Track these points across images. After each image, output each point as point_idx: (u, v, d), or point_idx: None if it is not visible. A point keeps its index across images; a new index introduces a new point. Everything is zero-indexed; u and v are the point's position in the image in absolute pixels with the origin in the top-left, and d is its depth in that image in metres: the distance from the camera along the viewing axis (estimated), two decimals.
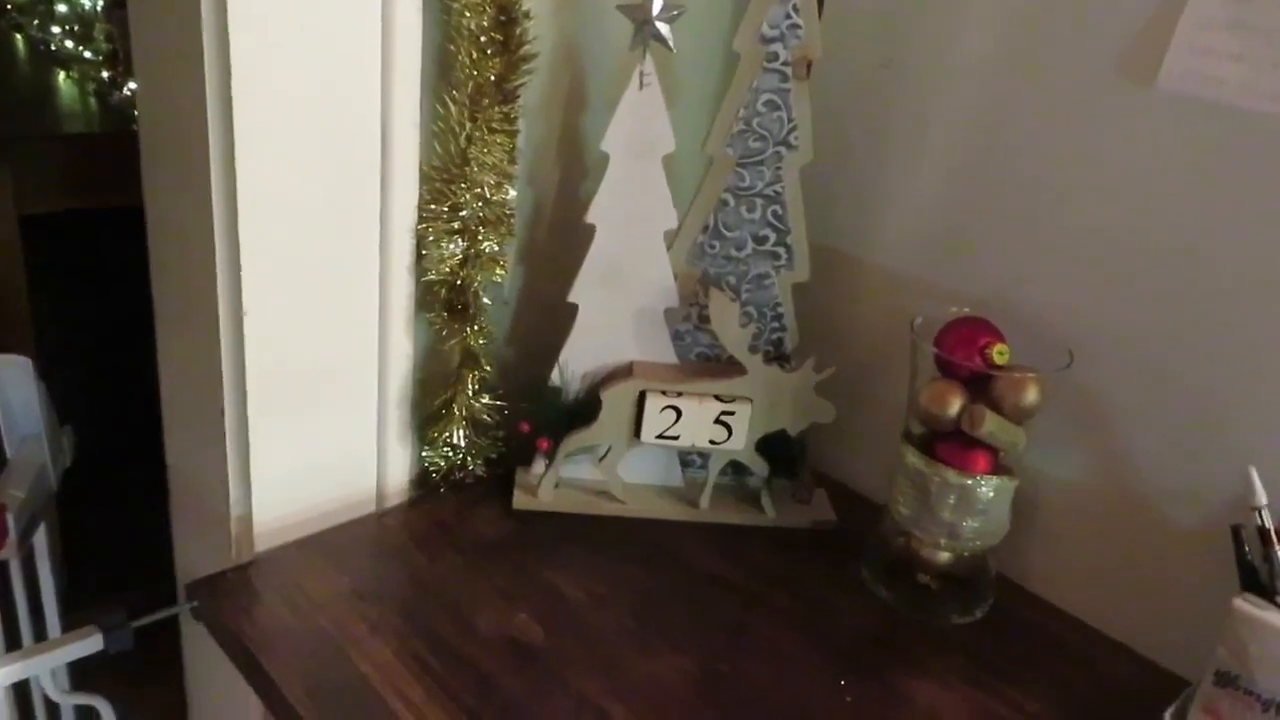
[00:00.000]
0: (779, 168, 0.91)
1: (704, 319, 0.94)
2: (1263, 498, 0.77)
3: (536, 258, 1.00)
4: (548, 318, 0.96)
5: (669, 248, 0.92)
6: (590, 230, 0.90)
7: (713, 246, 0.93)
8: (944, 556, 0.89)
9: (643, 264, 0.91)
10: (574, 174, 0.98)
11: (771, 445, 0.97)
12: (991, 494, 0.85)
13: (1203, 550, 0.84)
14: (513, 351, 1.03)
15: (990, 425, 0.81)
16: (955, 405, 0.83)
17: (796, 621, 0.88)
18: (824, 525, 1.00)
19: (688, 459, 1.01)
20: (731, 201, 0.91)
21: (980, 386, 0.83)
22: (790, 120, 0.90)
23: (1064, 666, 0.86)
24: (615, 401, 0.93)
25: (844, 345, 1.06)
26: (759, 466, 0.98)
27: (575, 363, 0.95)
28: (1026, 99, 0.89)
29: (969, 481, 0.84)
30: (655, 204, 0.89)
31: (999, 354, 0.82)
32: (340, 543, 0.91)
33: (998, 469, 0.85)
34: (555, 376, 0.95)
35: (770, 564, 0.94)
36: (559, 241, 0.98)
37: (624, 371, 0.95)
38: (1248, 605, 0.74)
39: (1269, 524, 0.77)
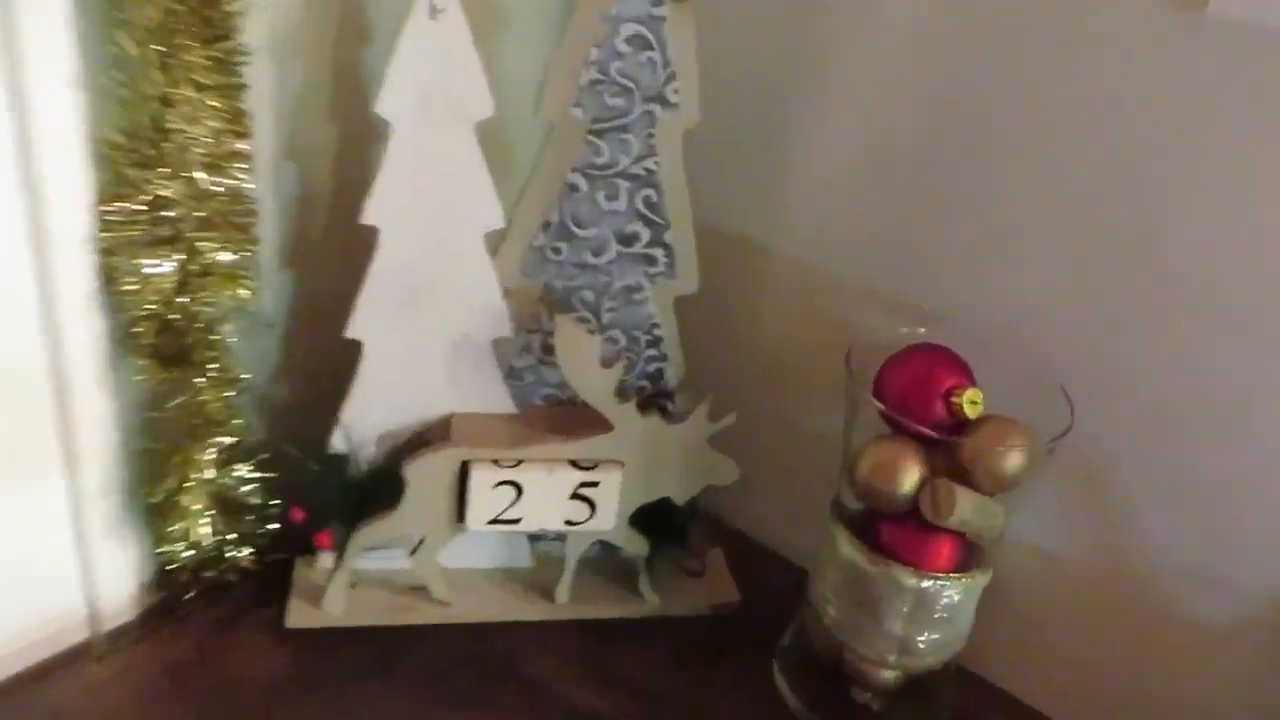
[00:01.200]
0: (651, 134, 0.63)
1: (550, 351, 0.65)
2: None
3: (313, 258, 0.70)
4: (338, 340, 0.66)
5: (494, 254, 0.64)
6: (372, 234, 0.60)
7: (557, 251, 0.64)
8: (890, 675, 0.65)
9: (455, 279, 0.63)
10: (359, 140, 0.68)
11: (652, 514, 0.71)
12: (958, 597, 0.61)
13: (1230, 657, 0.62)
14: (290, 390, 0.73)
15: (964, 511, 0.57)
16: (910, 479, 0.58)
17: None
18: (726, 608, 0.75)
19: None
20: (583, 186, 0.62)
21: (942, 445, 0.58)
22: (666, 65, 0.62)
23: None
24: (425, 478, 0.65)
25: (748, 370, 0.80)
26: (636, 546, 0.72)
27: (366, 420, 0.66)
28: (1007, 25, 0.62)
29: (928, 584, 0.60)
30: (469, 194, 0.60)
31: (970, 403, 0.58)
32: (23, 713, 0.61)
33: (966, 560, 0.61)
34: (338, 441, 0.66)
35: (656, 681, 0.69)
36: (348, 234, 0.68)
37: (438, 431, 0.67)
38: None
39: None
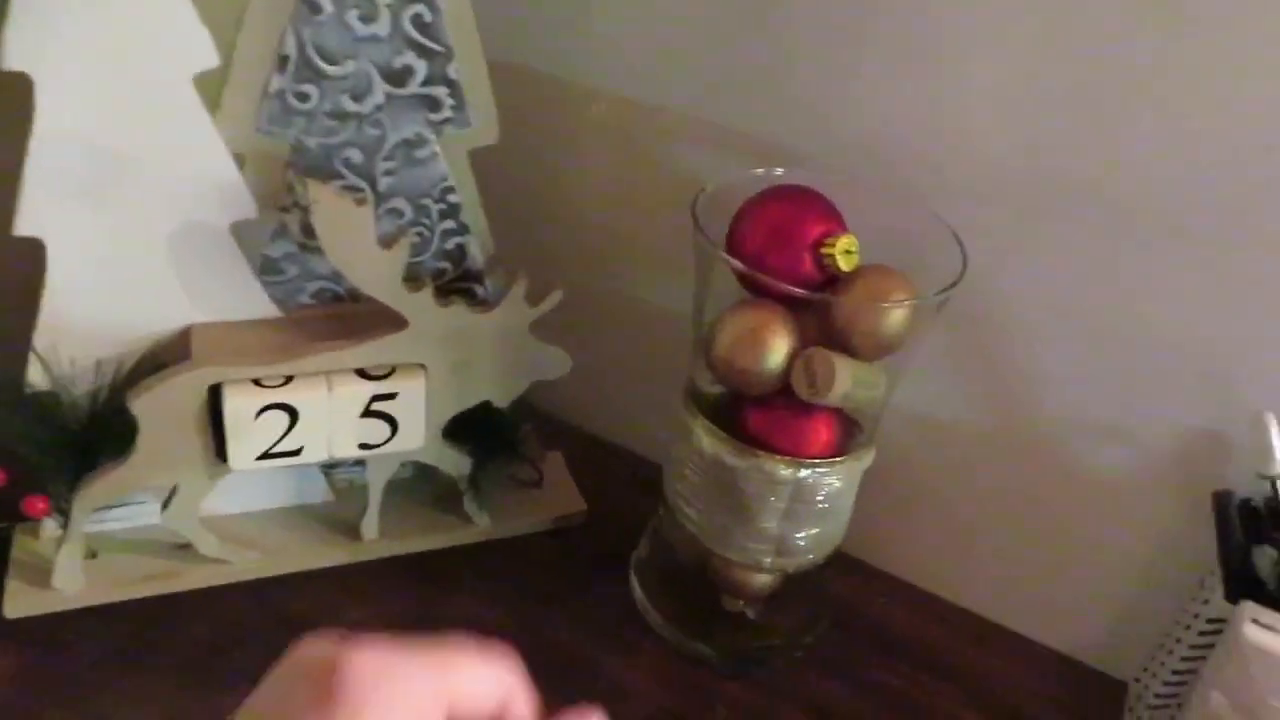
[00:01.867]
0: None
1: (313, 233, 0.50)
2: None
3: None
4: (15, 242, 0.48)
5: (214, 108, 0.47)
6: (25, 86, 0.42)
7: (304, 97, 0.48)
8: (766, 579, 0.56)
9: (162, 144, 0.46)
10: None
11: (472, 422, 0.58)
12: (839, 484, 0.52)
13: (1136, 508, 0.56)
14: None
15: (845, 384, 0.46)
16: (777, 352, 0.47)
17: None
18: (571, 520, 0.64)
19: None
20: (327, 5, 0.46)
21: (813, 306, 0.48)
22: None
23: (949, 677, 0.58)
24: (161, 413, 0.50)
25: (574, 238, 0.67)
26: (454, 464, 0.59)
27: (69, 345, 0.49)
28: None
29: (806, 473, 0.50)
30: (160, 21, 0.43)
31: (844, 253, 0.47)
32: None
33: (846, 441, 0.51)
34: (36, 376, 0.50)
35: (496, 616, 0.58)
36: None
37: (176, 349, 0.51)
38: (1265, 634, 0.46)
39: None
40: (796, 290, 0.45)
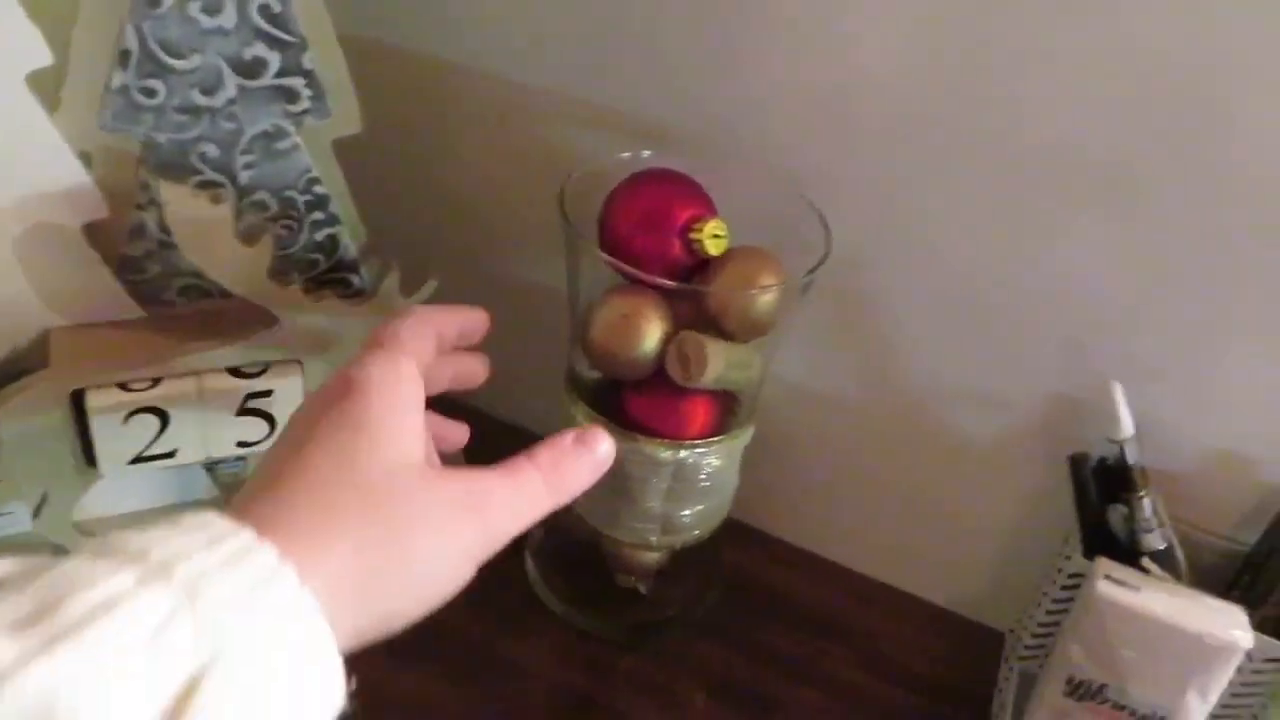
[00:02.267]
0: None
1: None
2: (1129, 427, 0.50)
3: None
4: None
5: (57, 107, 0.45)
6: None
7: (150, 92, 0.46)
8: (655, 556, 0.57)
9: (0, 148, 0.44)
10: None
11: None
12: (720, 462, 0.52)
13: (1006, 469, 0.58)
14: None
15: (718, 367, 0.47)
16: (651, 338, 0.48)
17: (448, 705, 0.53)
18: None
19: None
20: None
21: (684, 292, 0.48)
22: None
23: (839, 638, 0.61)
24: (22, 422, 0.48)
25: (449, 224, 0.66)
26: None
27: None
28: None
29: (686, 454, 0.51)
30: None
31: (712, 238, 0.47)
32: None
33: (724, 419, 0.52)
34: None
35: None
36: None
37: (34, 355, 0.49)
38: (1116, 589, 0.48)
39: (1135, 460, 0.50)
40: (666, 282, 0.46)
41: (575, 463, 0.37)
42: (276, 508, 0.29)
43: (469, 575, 0.33)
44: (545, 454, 0.36)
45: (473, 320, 0.41)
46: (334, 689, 0.27)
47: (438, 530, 0.31)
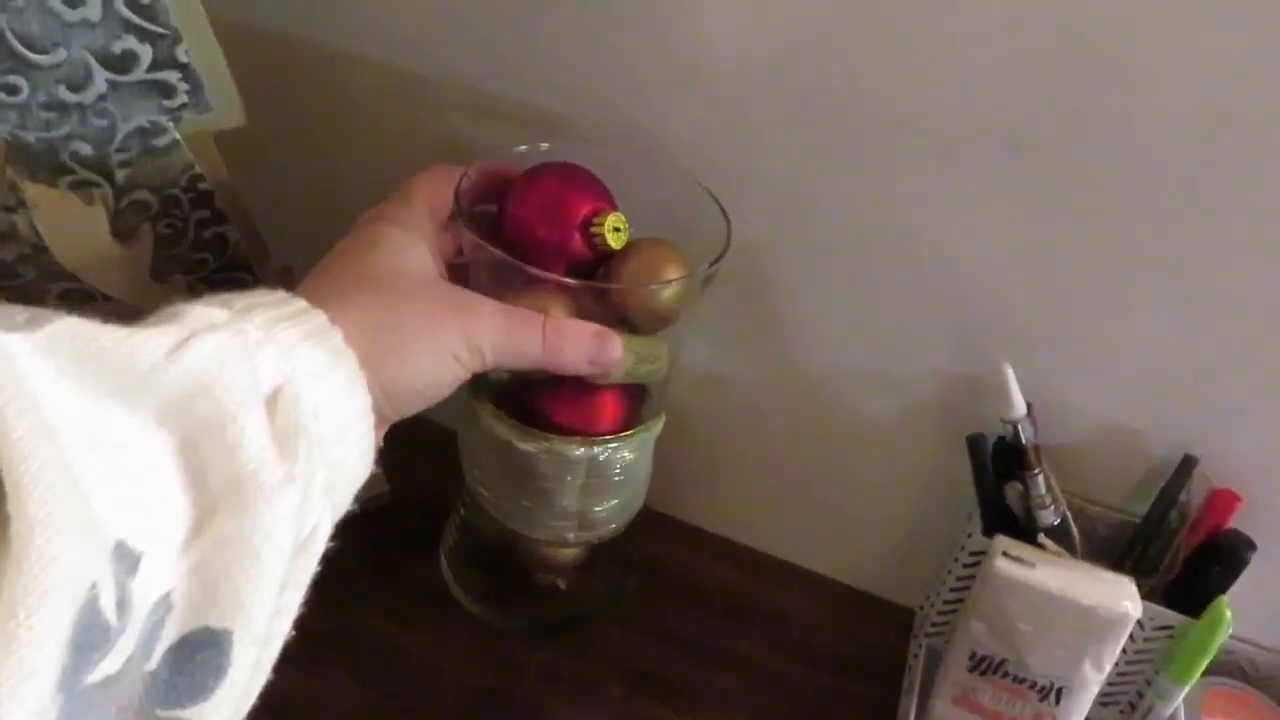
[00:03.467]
0: None
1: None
2: (1020, 407, 0.51)
3: None
4: None
5: None
6: None
7: (13, 90, 0.43)
8: (572, 552, 0.57)
9: None
10: None
11: None
12: (632, 455, 0.52)
13: (908, 449, 0.59)
14: None
15: (627, 362, 0.46)
16: None
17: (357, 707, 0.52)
18: (375, 502, 0.63)
19: None
20: None
21: (589, 274, 0.47)
22: None
23: (752, 621, 0.61)
24: None
25: (346, 219, 0.63)
26: None
27: None
28: None
29: (599, 450, 0.50)
30: None
31: (613, 231, 0.46)
32: None
33: (635, 412, 0.52)
34: None
35: (303, 607, 0.56)
36: None
37: None
38: (1014, 565, 0.50)
39: (1028, 438, 0.52)
40: (569, 280, 0.45)
41: (579, 337, 0.42)
42: (306, 292, 0.35)
43: (453, 378, 0.39)
44: (561, 320, 0.42)
45: (500, 170, 0.47)
46: (367, 427, 0.34)
47: (426, 320, 0.38)
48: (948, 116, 0.48)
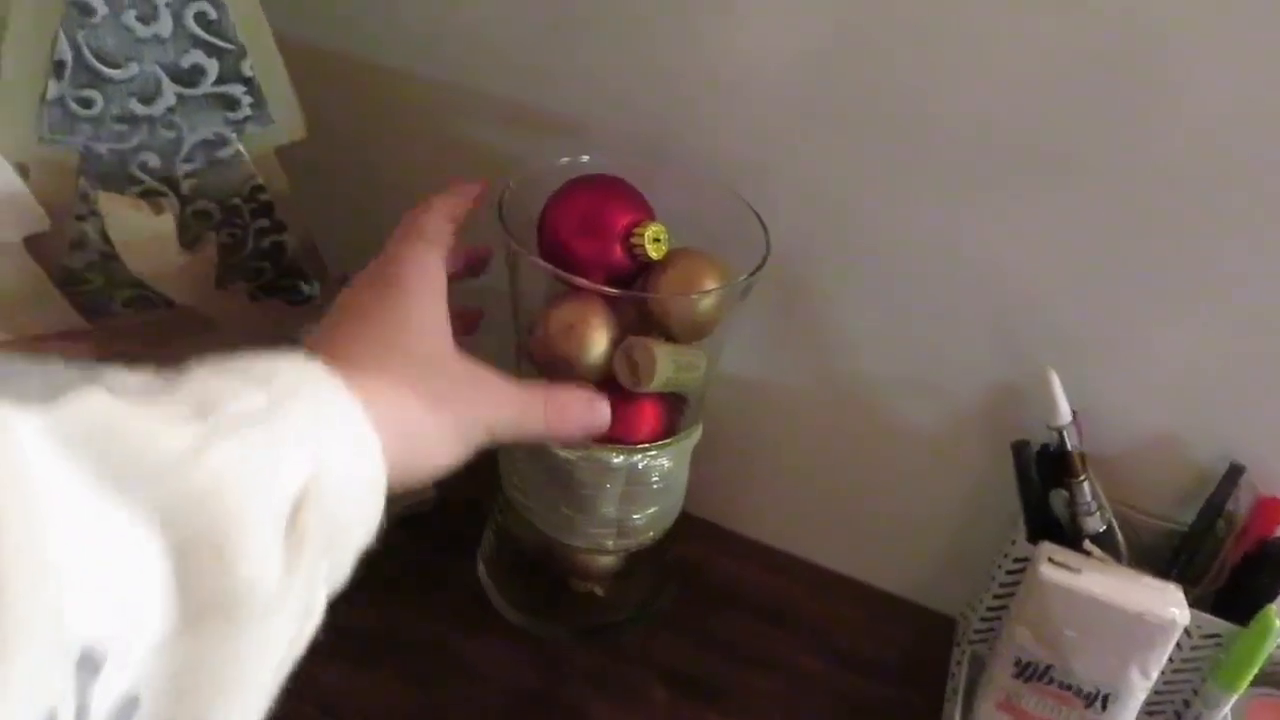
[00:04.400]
0: None
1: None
2: (1066, 413, 0.51)
3: None
4: None
5: None
6: None
7: (87, 103, 0.46)
8: (610, 560, 0.58)
9: None
10: None
11: None
12: (670, 463, 0.53)
13: (951, 456, 0.59)
14: None
15: (666, 370, 0.47)
16: (597, 345, 0.48)
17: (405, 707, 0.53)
18: (420, 507, 0.64)
19: None
20: (100, 6, 0.44)
21: (627, 285, 0.49)
22: None
23: (793, 627, 0.62)
24: None
25: (391, 232, 0.66)
26: None
27: None
28: None
29: (639, 458, 0.51)
30: None
31: (653, 242, 0.47)
32: None
33: (673, 420, 0.53)
34: None
35: (344, 614, 0.57)
36: None
37: None
38: (1059, 571, 0.49)
39: (1073, 445, 0.52)
40: (610, 290, 0.46)
41: (576, 410, 0.45)
42: (331, 351, 0.35)
43: (460, 457, 0.40)
44: (560, 391, 0.45)
45: (476, 195, 0.47)
46: (379, 508, 0.34)
47: (443, 404, 0.39)
48: (989, 125, 0.49)
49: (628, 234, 0.47)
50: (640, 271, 0.48)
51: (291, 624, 0.28)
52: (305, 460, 0.29)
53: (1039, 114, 0.48)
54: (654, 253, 0.47)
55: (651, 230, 0.47)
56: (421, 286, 0.41)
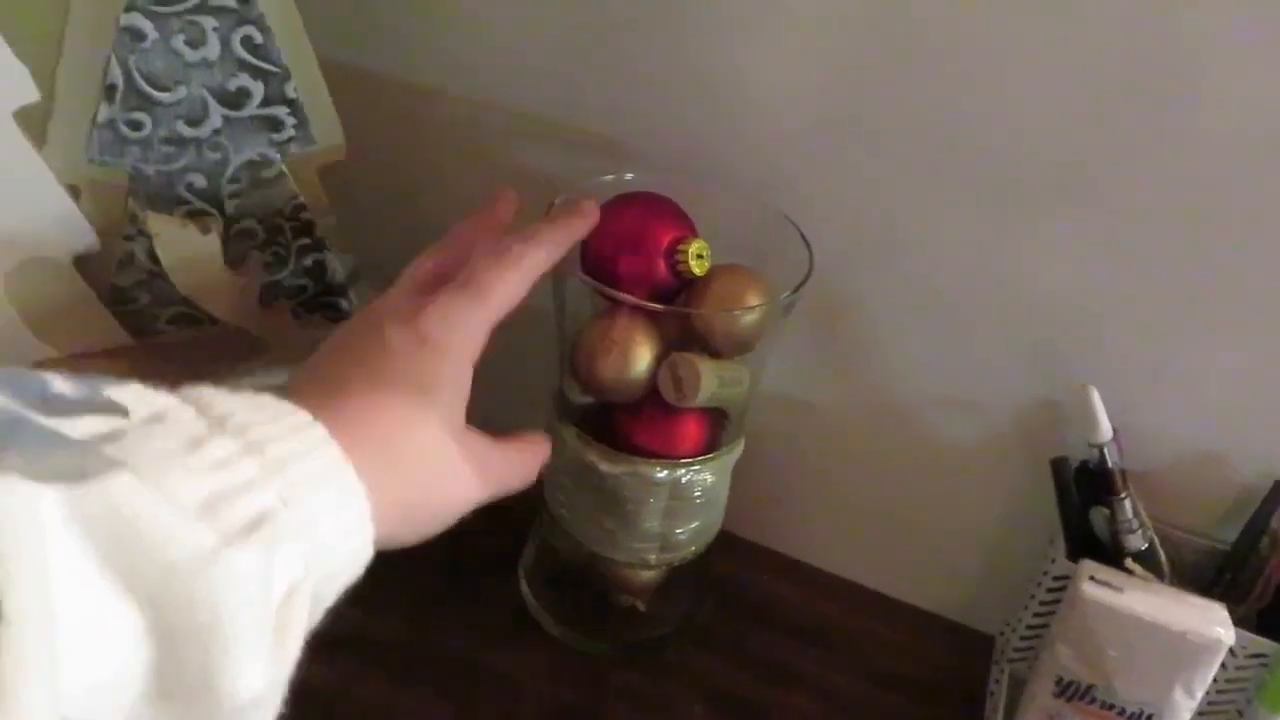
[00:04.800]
0: None
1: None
2: (1107, 430, 0.51)
3: None
4: None
5: (44, 143, 0.45)
6: None
7: (136, 125, 0.47)
8: (652, 574, 0.58)
9: None
10: None
11: None
12: (713, 478, 0.53)
13: (989, 474, 0.59)
14: None
15: (710, 386, 0.48)
16: (641, 361, 0.48)
17: None
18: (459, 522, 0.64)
19: None
20: (150, 30, 0.45)
21: (670, 300, 0.49)
22: None
23: (831, 645, 0.61)
24: None
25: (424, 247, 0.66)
26: None
27: None
28: None
29: (681, 472, 0.51)
30: None
31: (696, 258, 0.48)
32: None
33: (716, 435, 0.53)
34: None
35: (385, 631, 0.58)
36: None
37: None
38: (1101, 590, 0.49)
39: (1114, 462, 0.51)
40: (654, 305, 0.46)
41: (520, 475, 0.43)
42: (352, 448, 0.32)
43: (451, 522, 0.38)
44: (544, 448, 0.45)
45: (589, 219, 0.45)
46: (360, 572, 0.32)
47: (454, 485, 0.37)
48: (1031, 143, 0.49)
49: (671, 250, 0.47)
50: (683, 287, 0.48)
51: (271, 711, 0.28)
52: (303, 559, 0.29)
53: (1082, 132, 0.48)
54: (697, 269, 0.47)
55: (695, 246, 0.47)
56: (458, 358, 0.38)
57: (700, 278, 0.48)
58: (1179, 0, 0.43)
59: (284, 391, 0.32)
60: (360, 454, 0.31)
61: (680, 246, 0.47)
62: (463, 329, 0.38)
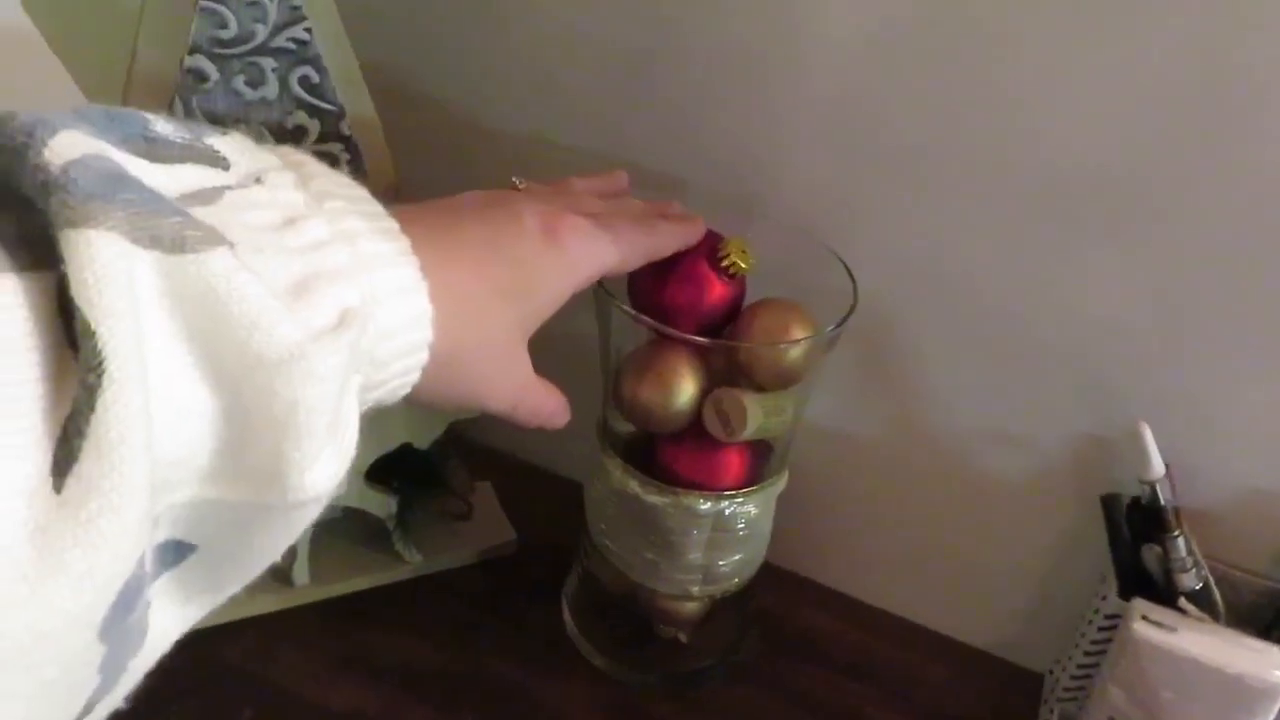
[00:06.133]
0: None
1: None
2: (1159, 467, 0.50)
3: None
4: None
5: None
6: None
7: None
8: (695, 605, 0.58)
9: None
10: None
11: (396, 459, 0.58)
12: (756, 510, 0.53)
13: (1038, 510, 0.58)
14: None
15: (756, 420, 0.48)
16: (685, 393, 0.49)
17: None
18: (502, 550, 0.65)
19: None
20: (213, 72, 0.46)
21: (715, 333, 0.49)
22: None
23: (875, 681, 0.60)
24: None
25: None
26: (379, 506, 0.60)
27: None
28: None
29: (725, 504, 0.51)
30: (43, 95, 0.43)
31: (740, 254, 0.47)
32: None
33: (759, 467, 0.53)
34: None
35: (422, 658, 0.58)
36: None
37: None
38: (1154, 630, 0.48)
39: (1167, 499, 0.51)
40: (698, 339, 0.47)
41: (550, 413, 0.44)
42: (432, 267, 0.31)
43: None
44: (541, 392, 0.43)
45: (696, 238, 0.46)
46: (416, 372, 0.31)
47: (492, 371, 0.37)
48: (1079, 175, 0.48)
49: (714, 256, 0.47)
50: (731, 317, 0.48)
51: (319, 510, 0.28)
52: (370, 363, 0.29)
53: (1135, 164, 0.47)
54: (744, 264, 0.47)
55: (734, 244, 0.47)
56: (567, 274, 0.38)
57: (745, 312, 0.48)
58: (1244, 30, 0.43)
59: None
60: (433, 294, 0.31)
61: (721, 249, 0.47)
62: (591, 257, 0.39)
